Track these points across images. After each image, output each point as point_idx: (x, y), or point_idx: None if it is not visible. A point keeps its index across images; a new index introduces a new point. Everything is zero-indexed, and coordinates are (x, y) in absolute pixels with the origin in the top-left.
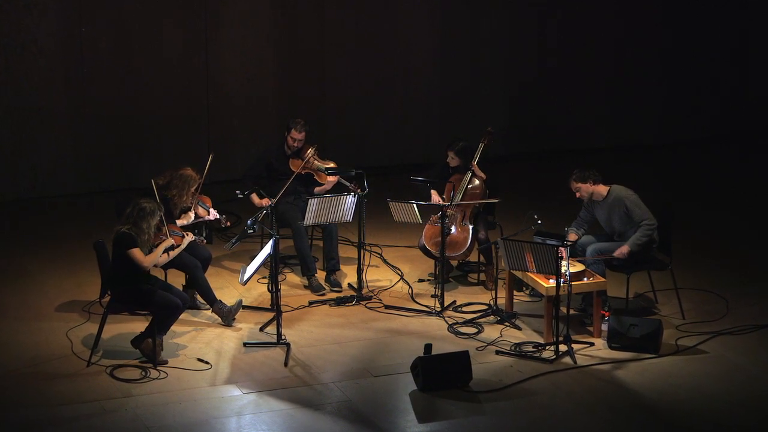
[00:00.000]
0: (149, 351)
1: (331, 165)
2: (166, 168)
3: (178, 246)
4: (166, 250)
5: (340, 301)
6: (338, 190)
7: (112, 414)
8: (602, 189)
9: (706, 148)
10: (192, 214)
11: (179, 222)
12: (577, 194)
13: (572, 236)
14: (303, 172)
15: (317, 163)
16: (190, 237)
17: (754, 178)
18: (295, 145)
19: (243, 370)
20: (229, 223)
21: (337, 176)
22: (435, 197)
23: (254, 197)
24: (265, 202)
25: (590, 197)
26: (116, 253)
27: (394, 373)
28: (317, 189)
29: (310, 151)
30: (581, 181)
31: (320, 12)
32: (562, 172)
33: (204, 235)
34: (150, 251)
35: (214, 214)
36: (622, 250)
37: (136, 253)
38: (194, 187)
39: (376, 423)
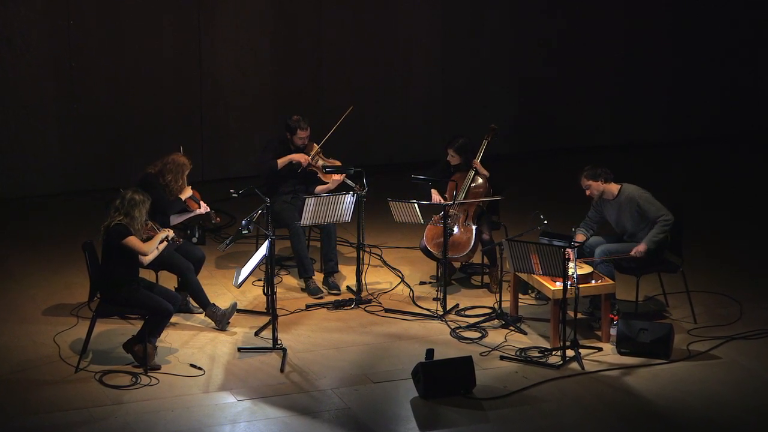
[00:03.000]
0: (141, 355)
1: (336, 164)
2: None
3: (165, 239)
4: (161, 241)
5: (338, 305)
6: (340, 190)
7: (102, 422)
8: (613, 188)
9: (715, 147)
10: (190, 190)
11: (174, 221)
12: (587, 192)
13: (580, 237)
14: (307, 169)
15: (321, 162)
16: (170, 234)
17: (764, 178)
18: (304, 143)
19: (237, 376)
20: (219, 219)
21: (343, 175)
22: (435, 196)
23: (281, 159)
24: (301, 156)
25: (600, 196)
26: (111, 246)
27: (394, 379)
28: (319, 188)
29: (315, 149)
30: (592, 179)
31: (318, 7)
32: (568, 170)
33: (197, 235)
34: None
35: (204, 207)
36: (639, 248)
37: (134, 241)
38: (187, 172)
39: (376, 431)
